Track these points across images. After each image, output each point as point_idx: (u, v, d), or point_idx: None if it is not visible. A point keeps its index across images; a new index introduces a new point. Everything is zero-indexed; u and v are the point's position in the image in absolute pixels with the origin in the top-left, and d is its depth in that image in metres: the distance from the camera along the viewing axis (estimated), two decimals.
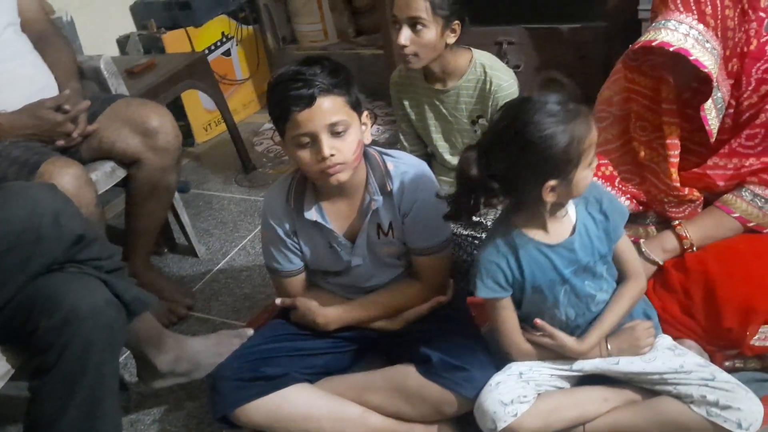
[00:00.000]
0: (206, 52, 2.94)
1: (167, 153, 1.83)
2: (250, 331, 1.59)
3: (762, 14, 1.40)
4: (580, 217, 1.29)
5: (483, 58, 1.77)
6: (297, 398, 1.41)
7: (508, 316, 1.33)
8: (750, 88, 1.43)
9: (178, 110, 2.89)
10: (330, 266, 1.49)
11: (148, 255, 2.04)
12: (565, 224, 1.29)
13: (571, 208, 1.29)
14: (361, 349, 1.53)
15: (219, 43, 3.08)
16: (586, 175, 1.21)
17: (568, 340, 1.31)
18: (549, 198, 1.20)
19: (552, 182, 1.18)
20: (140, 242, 1.96)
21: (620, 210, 1.32)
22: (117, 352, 1.34)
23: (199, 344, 1.56)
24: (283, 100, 1.29)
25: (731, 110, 1.46)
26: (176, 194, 2.10)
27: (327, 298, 1.51)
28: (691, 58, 1.31)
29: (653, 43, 1.32)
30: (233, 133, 2.68)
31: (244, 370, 1.42)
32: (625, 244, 1.33)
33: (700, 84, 1.47)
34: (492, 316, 1.35)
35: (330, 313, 1.48)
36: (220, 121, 2.79)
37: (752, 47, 1.42)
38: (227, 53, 3.13)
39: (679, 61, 1.39)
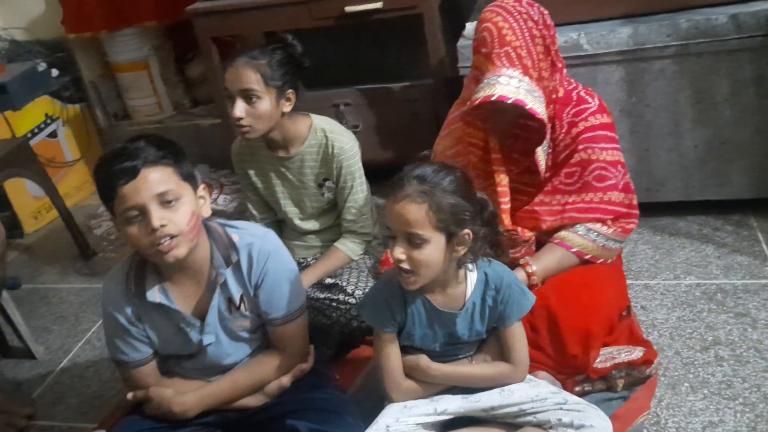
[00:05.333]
0: (28, 135, 2.77)
1: None
2: None
3: (560, 65, 1.58)
4: (473, 296, 1.35)
5: (322, 122, 1.81)
6: None
7: (391, 352, 1.37)
8: (563, 131, 1.58)
9: (1, 200, 2.69)
10: (180, 349, 1.42)
11: None
12: (458, 295, 1.35)
13: (470, 282, 1.34)
14: None
15: (43, 125, 2.91)
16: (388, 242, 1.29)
17: (423, 359, 1.38)
18: None
19: None
20: None
21: (519, 305, 1.35)
22: None
23: None
24: (108, 175, 1.25)
25: (550, 150, 1.60)
26: (4, 293, 1.93)
27: (183, 384, 1.43)
28: (527, 107, 1.43)
29: (492, 98, 1.43)
30: (66, 218, 2.52)
31: None
32: (514, 334, 1.36)
33: (521, 130, 1.60)
34: (376, 349, 1.38)
35: (187, 400, 1.40)
36: (51, 207, 2.61)
37: (560, 94, 1.59)
38: (53, 135, 2.96)
39: (499, 110, 1.51)
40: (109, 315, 1.38)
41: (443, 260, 1.26)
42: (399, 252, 1.24)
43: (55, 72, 2.97)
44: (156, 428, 1.40)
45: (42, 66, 2.92)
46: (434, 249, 1.24)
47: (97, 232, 2.78)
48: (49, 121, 2.94)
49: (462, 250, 1.28)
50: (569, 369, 1.50)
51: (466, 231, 1.26)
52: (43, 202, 2.83)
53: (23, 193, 2.81)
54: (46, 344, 2.14)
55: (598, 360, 1.51)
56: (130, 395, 1.43)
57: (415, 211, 1.22)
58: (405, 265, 1.25)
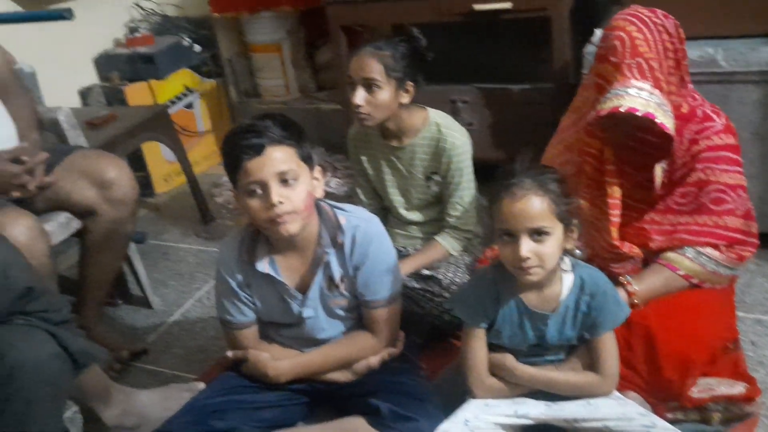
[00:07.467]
0: (168, 104, 2.97)
1: (123, 205, 1.84)
2: (201, 385, 1.59)
3: (687, 78, 1.52)
4: (568, 299, 1.35)
5: (438, 117, 1.84)
6: None
7: (478, 348, 1.39)
8: (683, 147, 1.53)
9: (138, 161, 2.90)
10: (282, 318, 1.51)
11: (101, 306, 2.02)
12: (552, 296, 1.35)
13: (566, 285, 1.35)
14: (312, 402, 1.54)
15: (181, 96, 3.11)
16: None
17: (509, 358, 1.38)
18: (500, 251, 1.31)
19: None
20: (92, 294, 1.94)
21: (612, 315, 1.34)
22: (61, 407, 1.33)
23: (147, 398, 1.55)
24: (235, 149, 1.34)
25: (667, 167, 1.55)
26: (132, 245, 2.10)
27: (279, 351, 1.52)
28: (657, 121, 1.39)
29: (621, 109, 1.40)
30: (193, 184, 2.69)
31: (192, 424, 1.40)
32: (604, 344, 1.35)
33: (638, 144, 1.55)
34: (464, 343, 1.41)
35: (281, 366, 1.48)
36: (181, 172, 2.80)
37: (684, 110, 1.53)
38: (189, 106, 3.17)
39: (620, 121, 1.47)
40: (222, 278, 1.48)
41: (560, 254, 1.29)
42: (526, 250, 1.25)
43: (197, 48, 3.17)
44: (249, 387, 1.49)
45: (186, 41, 3.13)
46: (556, 240, 1.27)
47: (218, 200, 2.95)
48: (187, 92, 3.14)
49: (571, 243, 1.30)
50: (662, 393, 1.45)
51: (576, 221, 1.28)
52: (174, 167, 3.04)
53: (158, 157, 3.03)
54: (162, 297, 2.30)
55: (694, 389, 1.44)
56: (230, 353, 1.53)
57: (539, 204, 1.25)
58: (532, 262, 1.26)
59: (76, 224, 1.84)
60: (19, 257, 1.34)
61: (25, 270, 1.32)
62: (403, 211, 1.93)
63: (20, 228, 1.53)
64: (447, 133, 1.80)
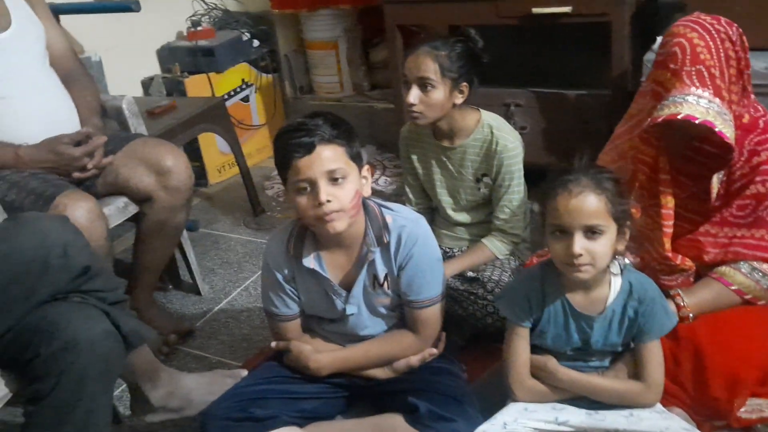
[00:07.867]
0: (225, 97, 3.04)
1: (178, 192, 1.89)
2: (244, 372, 1.62)
3: (749, 88, 1.48)
4: (615, 303, 1.34)
5: (490, 119, 1.83)
6: None
7: (521, 347, 1.38)
8: (743, 158, 1.48)
9: (194, 151, 2.97)
10: (325, 313, 1.53)
11: (152, 290, 2.08)
12: (600, 299, 1.34)
13: (614, 289, 1.34)
14: (351, 397, 1.55)
15: (239, 89, 3.18)
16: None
17: (552, 360, 1.37)
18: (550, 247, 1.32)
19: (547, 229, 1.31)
20: (145, 277, 2.00)
21: (660, 322, 1.33)
22: (112, 384, 1.37)
23: (192, 381, 1.58)
24: (286, 147, 1.36)
25: (724, 178, 1.51)
26: (185, 232, 2.15)
27: (321, 344, 1.54)
28: (716, 129, 1.36)
29: (678, 116, 1.37)
30: (245, 176, 2.74)
31: (234, 410, 1.44)
32: (650, 352, 1.33)
33: (695, 153, 1.52)
34: (506, 341, 1.40)
35: (323, 359, 1.51)
36: (234, 164, 2.86)
37: (745, 120, 1.49)
38: (246, 99, 3.23)
39: (676, 129, 1.44)
40: (269, 270, 1.51)
41: (611, 253, 1.28)
42: (580, 247, 1.25)
43: (256, 43, 3.23)
44: (291, 377, 1.52)
45: (246, 36, 3.19)
46: (609, 240, 1.27)
47: (268, 192, 3.01)
48: (244, 86, 3.20)
49: (622, 244, 1.29)
50: (708, 412, 1.41)
51: (629, 222, 1.27)
52: (228, 159, 3.10)
53: (213, 148, 3.10)
54: (211, 284, 2.36)
55: (743, 409, 1.40)
56: (273, 344, 1.56)
57: (596, 202, 1.25)
58: (584, 260, 1.26)
59: (133, 209, 1.91)
60: (80, 237, 1.39)
61: (84, 250, 1.38)
62: (450, 212, 1.93)
63: (81, 210, 1.59)
64: (499, 135, 1.79)
